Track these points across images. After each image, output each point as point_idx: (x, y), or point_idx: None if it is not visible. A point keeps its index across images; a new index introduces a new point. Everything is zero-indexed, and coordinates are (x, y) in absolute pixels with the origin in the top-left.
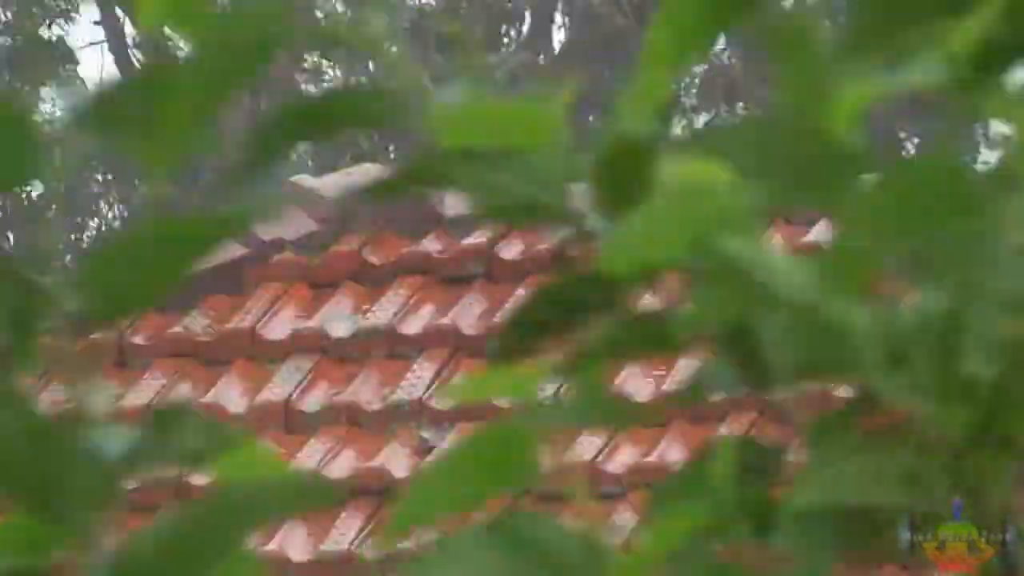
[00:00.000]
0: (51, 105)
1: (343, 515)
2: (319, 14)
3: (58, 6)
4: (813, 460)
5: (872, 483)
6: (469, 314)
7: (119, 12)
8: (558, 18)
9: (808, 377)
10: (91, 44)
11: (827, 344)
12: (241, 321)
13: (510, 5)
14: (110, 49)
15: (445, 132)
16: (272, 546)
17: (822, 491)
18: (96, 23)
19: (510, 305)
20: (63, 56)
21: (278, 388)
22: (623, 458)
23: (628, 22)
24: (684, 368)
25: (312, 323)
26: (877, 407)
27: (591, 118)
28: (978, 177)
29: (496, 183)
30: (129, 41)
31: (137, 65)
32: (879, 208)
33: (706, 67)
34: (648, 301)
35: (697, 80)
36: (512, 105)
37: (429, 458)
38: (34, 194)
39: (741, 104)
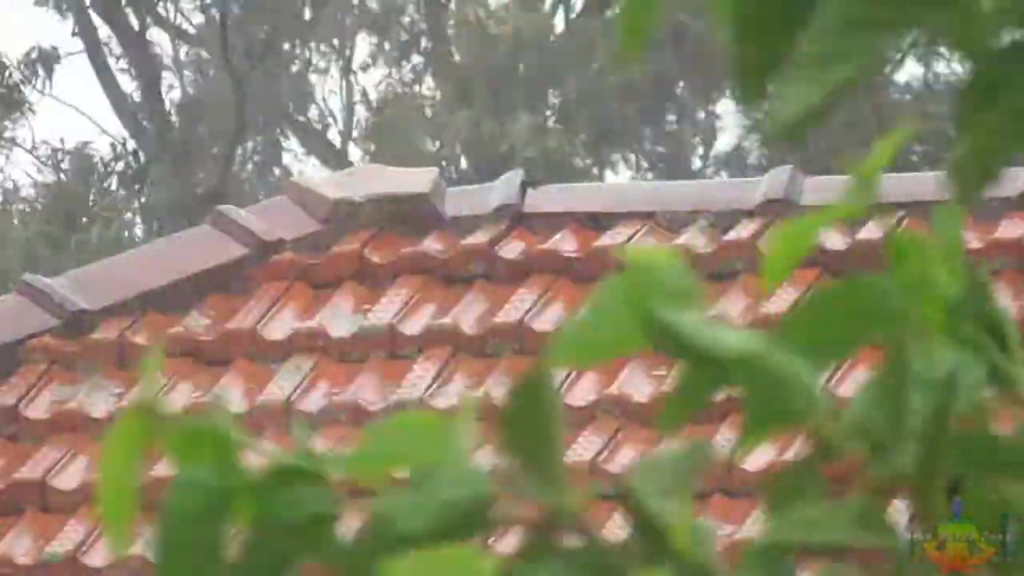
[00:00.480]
0: None
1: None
2: None
3: None
4: (775, 503)
5: (830, 524)
6: (469, 314)
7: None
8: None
9: (771, 426)
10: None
11: (779, 396)
12: (241, 321)
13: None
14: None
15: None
16: None
17: (782, 531)
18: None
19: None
20: None
21: (278, 388)
22: (623, 459)
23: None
24: None
25: (312, 323)
26: (832, 455)
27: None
28: (885, 290)
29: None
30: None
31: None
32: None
33: None
34: None
35: None
36: (414, 428)
37: None
38: None
39: None
